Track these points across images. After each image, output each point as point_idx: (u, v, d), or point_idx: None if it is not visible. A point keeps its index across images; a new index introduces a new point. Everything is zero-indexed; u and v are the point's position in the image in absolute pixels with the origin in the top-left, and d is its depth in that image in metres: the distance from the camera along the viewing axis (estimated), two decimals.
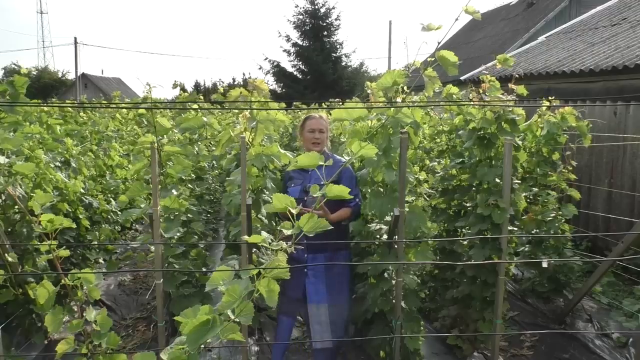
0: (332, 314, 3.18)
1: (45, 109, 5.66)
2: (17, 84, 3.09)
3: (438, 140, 4.93)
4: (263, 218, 3.52)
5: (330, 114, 4.15)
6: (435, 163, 4.50)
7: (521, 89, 3.63)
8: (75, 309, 2.30)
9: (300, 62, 28.17)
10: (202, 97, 6.19)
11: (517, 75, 3.59)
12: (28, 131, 4.08)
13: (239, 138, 3.12)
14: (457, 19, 2.58)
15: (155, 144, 3.46)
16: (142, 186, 3.58)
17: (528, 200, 4.75)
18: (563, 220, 4.67)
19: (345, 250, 3.34)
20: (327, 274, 3.19)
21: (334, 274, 3.22)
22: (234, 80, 39.15)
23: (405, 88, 2.93)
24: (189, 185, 4.83)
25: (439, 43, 2.51)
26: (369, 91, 3.30)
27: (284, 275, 1.33)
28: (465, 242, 3.75)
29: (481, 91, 3.52)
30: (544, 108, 4.79)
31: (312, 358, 3.50)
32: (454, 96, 3.91)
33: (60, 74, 52.68)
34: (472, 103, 3.58)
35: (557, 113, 4.68)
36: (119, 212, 5.51)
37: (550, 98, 4.85)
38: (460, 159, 3.79)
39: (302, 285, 3.19)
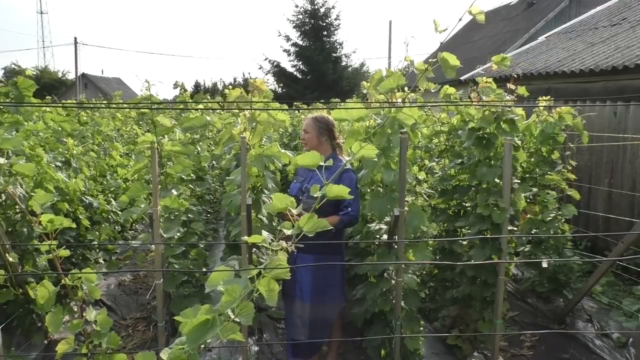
0: (313, 314, 3.17)
1: (48, 109, 5.66)
2: (22, 85, 3.08)
3: (436, 140, 4.93)
4: (263, 218, 3.52)
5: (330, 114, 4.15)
6: (434, 163, 4.50)
7: (522, 90, 3.62)
8: (75, 309, 2.30)
9: (300, 62, 28.17)
10: (209, 97, 6.17)
11: (515, 75, 3.59)
12: (32, 128, 4.08)
13: (240, 138, 3.12)
14: (460, 19, 2.55)
15: (156, 144, 3.46)
16: (142, 186, 3.58)
17: (528, 200, 4.75)
18: (563, 220, 4.67)
19: (337, 255, 3.31)
20: (315, 275, 3.18)
21: (322, 276, 3.20)
22: (234, 80, 39.21)
23: (405, 89, 2.92)
24: (190, 185, 4.83)
25: (441, 43, 2.50)
26: (365, 91, 3.30)
27: (284, 275, 1.33)
28: (465, 242, 3.75)
29: (480, 91, 3.52)
30: (542, 108, 4.80)
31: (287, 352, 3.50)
32: (452, 97, 3.90)
33: (60, 74, 52.71)
34: (471, 103, 3.58)
35: (555, 112, 4.68)
36: (119, 212, 5.51)
37: (547, 97, 4.85)
38: (460, 160, 3.79)
39: (293, 283, 3.20)
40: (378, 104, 3.03)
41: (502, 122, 3.44)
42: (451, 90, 3.83)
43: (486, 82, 3.37)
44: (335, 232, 3.18)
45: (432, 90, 3.07)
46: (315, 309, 3.17)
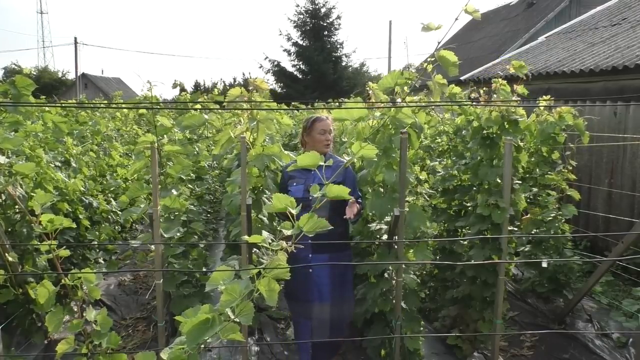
0: (333, 313, 3.17)
1: (47, 108, 5.66)
2: (20, 84, 3.05)
3: (439, 140, 4.94)
4: (264, 218, 3.52)
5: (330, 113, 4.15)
6: (436, 163, 4.50)
7: (521, 89, 3.62)
8: (75, 309, 2.30)
9: (301, 62, 28.15)
10: (206, 97, 6.17)
11: (523, 77, 3.58)
12: (31, 129, 4.08)
13: (240, 138, 3.12)
14: (457, 19, 2.57)
15: (156, 144, 3.46)
16: (142, 186, 3.58)
17: (528, 200, 4.74)
18: (563, 220, 4.67)
19: (348, 250, 3.35)
20: (331, 274, 3.19)
21: (338, 274, 3.21)
22: (234, 80, 39.18)
23: (405, 88, 2.92)
24: (189, 185, 4.83)
25: (438, 43, 2.51)
26: (370, 91, 3.30)
27: (284, 275, 1.33)
28: (465, 242, 3.75)
29: (490, 91, 3.51)
30: (542, 107, 4.79)
31: (300, 353, 3.49)
32: (457, 96, 3.90)
33: (60, 74, 52.71)
34: (472, 103, 3.58)
35: (555, 112, 4.68)
36: (119, 212, 5.51)
37: (547, 97, 4.85)
38: (464, 160, 3.79)
39: (311, 286, 3.19)
40: (378, 104, 3.03)
41: (506, 123, 3.44)
42: (456, 89, 3.81)
43: (501, 84, 3.39)
44: (346, 227, 3.21)
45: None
46: (335, 308, 3.17)
